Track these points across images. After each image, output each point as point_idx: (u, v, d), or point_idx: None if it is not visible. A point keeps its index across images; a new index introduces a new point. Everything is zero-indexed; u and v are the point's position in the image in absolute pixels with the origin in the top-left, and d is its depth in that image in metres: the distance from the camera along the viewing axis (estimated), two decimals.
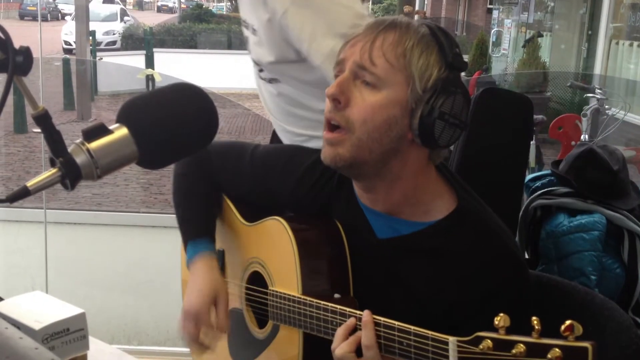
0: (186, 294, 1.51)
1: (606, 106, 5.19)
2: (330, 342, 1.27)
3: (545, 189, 2.07)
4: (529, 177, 2.21)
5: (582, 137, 4.97)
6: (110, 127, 0.94)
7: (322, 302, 1.29)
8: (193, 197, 1.60)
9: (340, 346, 1.20)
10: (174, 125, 0.97)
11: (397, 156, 1.27)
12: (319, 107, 1.64)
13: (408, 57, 1.23)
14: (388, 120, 1.24)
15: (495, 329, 1.00)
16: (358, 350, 1.20)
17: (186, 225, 1.59)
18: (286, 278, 1.39)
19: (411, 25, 1.27)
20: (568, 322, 0.93)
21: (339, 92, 1.25)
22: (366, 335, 1.18)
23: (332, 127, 1.28)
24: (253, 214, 1.54)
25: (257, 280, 1.51)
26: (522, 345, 0.96)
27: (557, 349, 0.92)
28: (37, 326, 1.20)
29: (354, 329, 1.21)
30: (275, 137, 2.21)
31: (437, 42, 1.25)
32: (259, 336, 1.51)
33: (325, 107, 1.29)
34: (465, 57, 1.46)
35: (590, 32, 10.49)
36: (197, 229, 1.57)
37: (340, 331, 1.22)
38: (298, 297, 1.34)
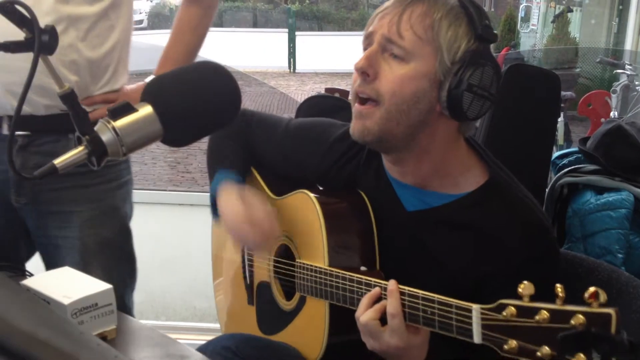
0: (223, 214, 1.48)
1: (636, 82, 5.10)
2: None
3: (573, 167, 2.05)
4: (556, 154, 2.18)
5: (611, 113, 4.90)
6: (136, 106, 0.95)
7: (347, 273, 1.30)
8: (227, 144, 1.60)
9: (365, 313, 1.21)
10: (197, 103, 0.98)
11: (425, 129, 1.27)
12: None
13: (436, 29, 1.23)
14: (416, 92, 1.24)
15: (519, 297, 0.99)
16: (382, 319, 1.20)
17: (216, 160, 1.59)
18: (313, 251, 1.40)
19: None
20: (592, 289, 0.92)
21: (367, 65, 1.25)
22: (391, 304, 1.18)
23: (361, 100, 1.28)
24: (281, 187, 1.56)
25: (284, 253, 1.53)
26: (545, 312, 0.96)
27: (580, 315, 0.92)
28: (66, 301, 1.23)
29: (379, 298, 1.22)
30: (300, 113, 2.21)
31: (467, 13, 1.24)
32: (286, 308, 1.53)
33: (353, 81, 1.29)
34: None
35: (621, 7, 10.29)
36: (227, 163, 1.56)
37: (364, 300, 1.22)
38: (324, 269, 1.35)
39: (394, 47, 1.24)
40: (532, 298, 0.98)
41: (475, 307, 1.06)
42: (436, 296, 1.13)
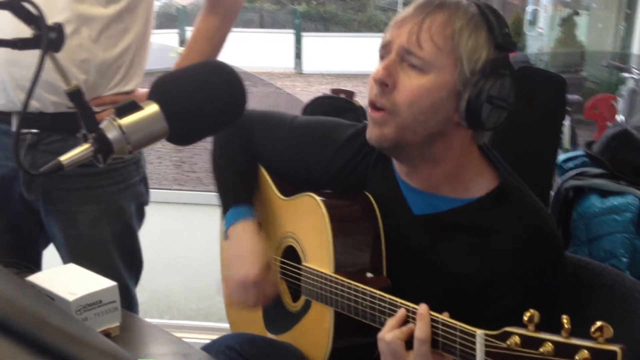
0: (234, 261, 1.51)
1: None
2: (362, 322, 1.28)
3: (578, 170, 2.05)
4: (561, 157, 2.18)
5: (617, 117, 4.89)
6: (142, 104, 0.96)
7: (353, 283, 1.29)
8: (233, 162, 1.61)
9: (392, 331, 1.16)
10: (203, 102, 0.98)
11: (441, 138, 1.26)
12: None
13: (456, 39, 1.21)
14: (434, 103, 1.22)
15: (524, 325, 0.97)
16: (407, 343, 1.15)
17: (226, 190, 1.60)
18: (319, 255, 1.40)
19: (460, 5, 1.24)
20: (599, 324, 0.90)
21: (385, 75, 1.23)
22: (420, 328, 1.13)
23: (376, 108, 1.26)
24: (290, 188, 1.55)
25: (291, 254, 1.52)
26: (550, 344, 0.93)
27: (585, 351, 0.89)
28: (70, 297, 1.23)
29: (406, 321, 1.17)
30: (305, 114, 2.21)
31: (487, 22, 1.22)
32: (292, 309, 1.53)
33: (370, 89, 1.28)
34: None
35: (628, 11, 10.25)
36: (238, 195, 1.57)
37: (392, 321, 1.18)
38: (330, 276, 1.34)
39: (413, 58, 1.22)
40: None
41: (479, 333, 1.04)
42: (440, 317, 1.12)
